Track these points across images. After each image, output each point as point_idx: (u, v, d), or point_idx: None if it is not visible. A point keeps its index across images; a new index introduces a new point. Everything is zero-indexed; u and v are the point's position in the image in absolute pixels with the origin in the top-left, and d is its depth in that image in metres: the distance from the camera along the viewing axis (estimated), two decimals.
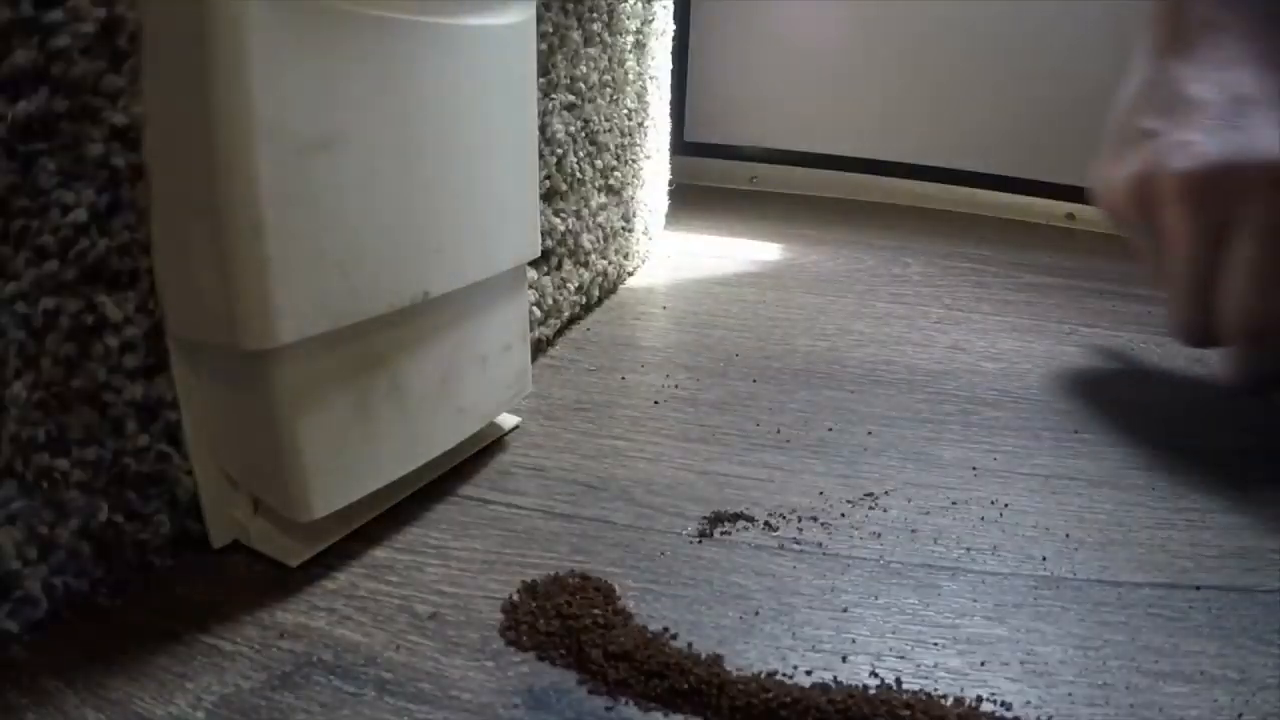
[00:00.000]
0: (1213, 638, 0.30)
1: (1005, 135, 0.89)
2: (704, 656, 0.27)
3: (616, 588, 0.26)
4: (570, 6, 0.48)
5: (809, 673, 0.27)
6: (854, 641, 0.29)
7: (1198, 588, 0.33)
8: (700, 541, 0.34)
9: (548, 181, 0.48)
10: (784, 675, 0.27)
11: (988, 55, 0.87)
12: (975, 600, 0.31)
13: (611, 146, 0.57)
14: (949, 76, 0.89)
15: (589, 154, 0.53)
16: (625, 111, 0.59)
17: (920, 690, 0.23)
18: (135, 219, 0.27)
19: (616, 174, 0.58)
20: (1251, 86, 0.35)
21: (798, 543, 0.34)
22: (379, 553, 0.32)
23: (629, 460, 0.40)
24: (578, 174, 0.52)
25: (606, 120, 0.55)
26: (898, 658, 0.28)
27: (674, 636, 0.29)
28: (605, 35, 0.53)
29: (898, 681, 0.26)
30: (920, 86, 0.90)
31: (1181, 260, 0.36)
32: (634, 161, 0.61)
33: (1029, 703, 0.26)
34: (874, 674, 0.27)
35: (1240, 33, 0.37)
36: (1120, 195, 0.38)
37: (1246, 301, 0.34)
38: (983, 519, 0.37)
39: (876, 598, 0.31)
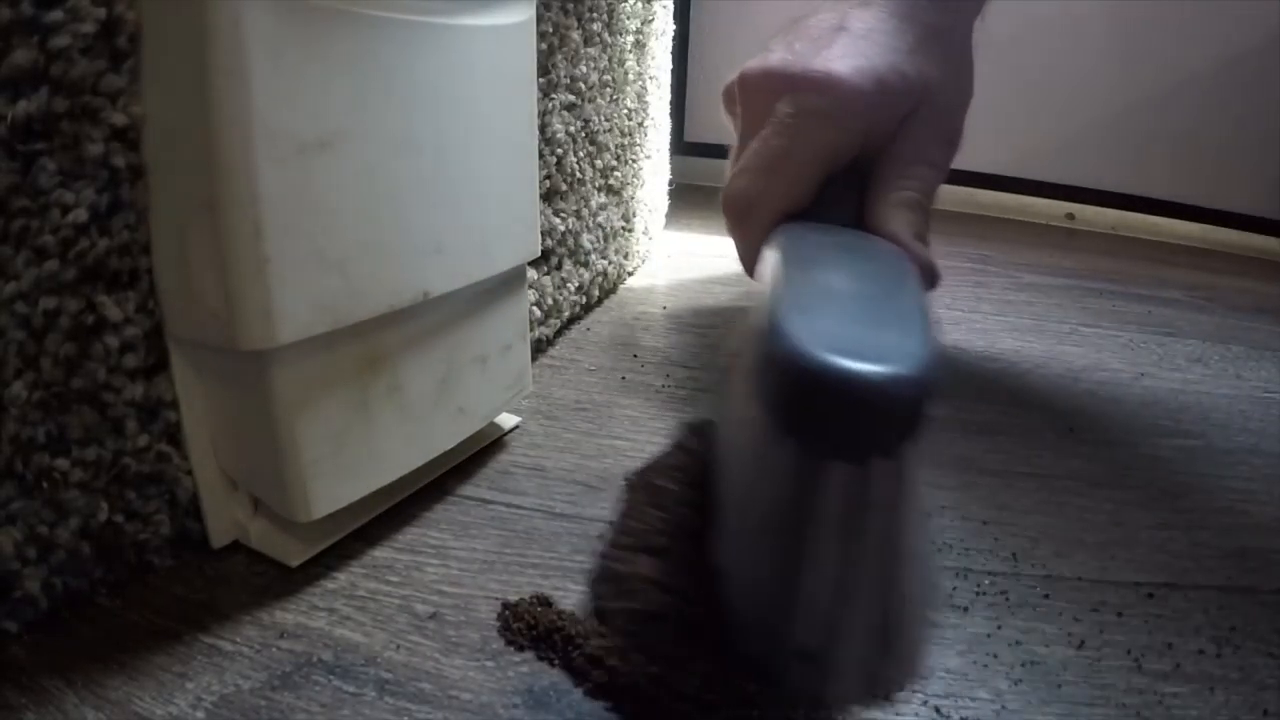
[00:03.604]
0: (1213, 638, 0.30)
1: (1006, 135, 0.89)
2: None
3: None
4: (570, 6, 0.48)
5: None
6: None
7: (1198, 588, 0.33)
8: None
9: (548, 181, 0.48)
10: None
11: (986, 54, 0.87)
12: (975, 600, 0.31)
13: (611, 146, 0.57)
14: None
15: (589, 154, 0.53)
16: (625, 111, 0.59)
17: None
18: (135, 219, 0.27)
19: (616, 174, 0.58)
20: (858, 20, 0.38)
21: None
22: (379, 553, 0.32)
23: (629, 460, 0.40)
24: (578, 174, 0.52)
25: (606, 120, 0.55)
26: None
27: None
28: (605, 35, 0.53)
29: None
30: None
31: (735, 145, 0.40)
32: (634, 161, 0.61)
33: (1029, 703, 0.27)
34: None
35: None
36: (723, 90, 0.42)
37: (730, 182, 0.37)
38: (983, 519, 0.37)
39: None
